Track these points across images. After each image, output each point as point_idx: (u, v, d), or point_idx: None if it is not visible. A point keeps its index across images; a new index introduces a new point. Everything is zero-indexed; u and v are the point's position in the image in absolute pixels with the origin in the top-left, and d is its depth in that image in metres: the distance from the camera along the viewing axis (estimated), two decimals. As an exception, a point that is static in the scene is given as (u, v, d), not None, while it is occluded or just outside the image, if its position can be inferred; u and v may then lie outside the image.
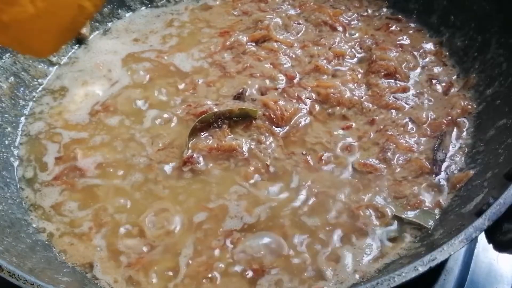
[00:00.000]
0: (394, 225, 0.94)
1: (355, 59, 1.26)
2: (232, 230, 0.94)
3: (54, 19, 0.61)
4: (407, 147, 1.05)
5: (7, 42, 0.65)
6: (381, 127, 1.09)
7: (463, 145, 1.05)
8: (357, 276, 0.88)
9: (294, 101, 1.14)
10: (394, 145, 1.05)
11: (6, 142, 1.12)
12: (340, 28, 1.34)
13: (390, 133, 1.07)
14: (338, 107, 1.14)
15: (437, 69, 1.22)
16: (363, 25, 1.36)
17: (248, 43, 1.31)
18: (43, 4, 0.59)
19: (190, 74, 1.25)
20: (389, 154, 1.04)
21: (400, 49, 1.26)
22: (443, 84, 1.18)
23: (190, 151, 1.05)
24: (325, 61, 1.23)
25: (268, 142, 1.07)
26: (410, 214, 0.95)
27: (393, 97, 1.15)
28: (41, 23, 0.61)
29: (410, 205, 0.96)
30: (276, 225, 0.94)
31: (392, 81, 1.19)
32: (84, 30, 1.36)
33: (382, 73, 1.19)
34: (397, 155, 1.04)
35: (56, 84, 1.27)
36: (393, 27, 1.34)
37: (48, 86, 1.27)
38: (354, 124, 1.11)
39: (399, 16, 1.37)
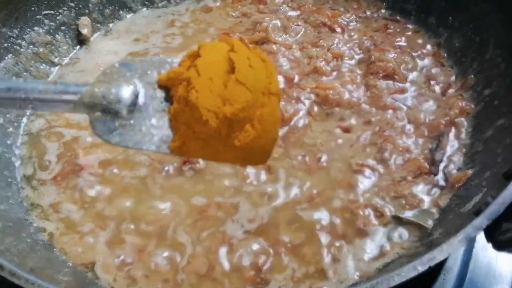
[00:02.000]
0: (393, 225, 0.94)
1: (354, 61, 1.26)
2: (233, 232, 0.94)
3: (267, 134, 0.74)
4: (405, 148, 1.05)
5: (235, 161, 0.76)
6: (379, 128, 1.09)
7: (462, 146, 1.06)
8: (357, 275, 0.88)
9: (293, 102, 1.15)
10: (392, 146, 1.05)
11: (8, 142, 1.13)
12: (338, 30, 1.35)
13: (387, 133, 1.08)
14: (336, 108, 1.14)
15: (435, 70, 1.22)
16: (361, 26, 1.37)
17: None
18: (260, 126, 0.71)
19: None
20: (386, 154, 1.04)
21: (399, 50, 1.27)
22: (441, 85, 1.19)
23: (190, 151, 1.06)
24: (323, 62, 1.23)
25: (267, 143, 1.08)
26: (409, 214, 0.95)
27: (392, 98, 1.15)
28: (260, 141, 0.73)
29: (409, 205, 0.96)
30: (275, 226, 0.95)
31: (391, 82, 1.19)
32: (86, 31, 1.37)
33: (381, 74, 1.19)
34: (395, 155, 1.04)
35: (57, 85, 1.27)
36: (392, 29, 1.35)
37: (49, 87, 1.27)
38: (352, 125, 1.11)
39: (397, 18, 1.38)
